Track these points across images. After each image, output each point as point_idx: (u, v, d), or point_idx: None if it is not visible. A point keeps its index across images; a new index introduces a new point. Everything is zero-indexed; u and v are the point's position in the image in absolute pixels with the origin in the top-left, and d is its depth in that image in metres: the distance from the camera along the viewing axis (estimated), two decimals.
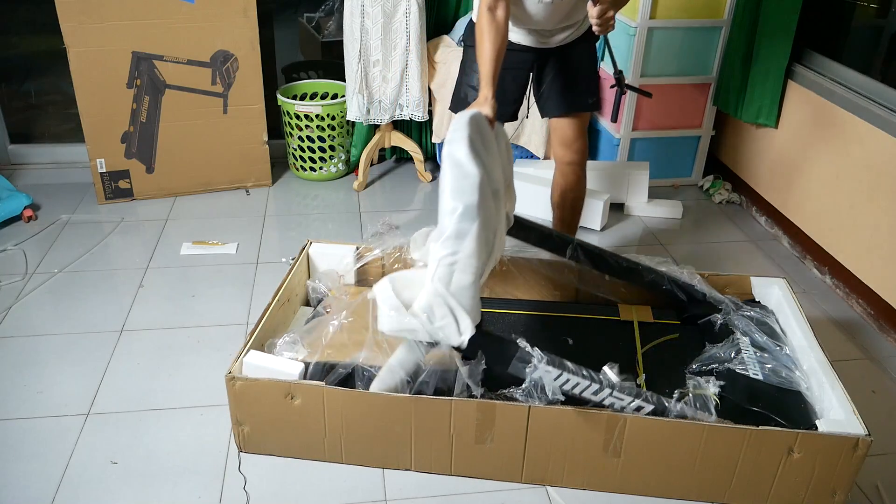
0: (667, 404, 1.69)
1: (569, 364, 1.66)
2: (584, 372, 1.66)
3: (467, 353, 1.67)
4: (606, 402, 1.67)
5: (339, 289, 2.26)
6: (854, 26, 2.99)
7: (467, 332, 1.59)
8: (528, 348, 1.67)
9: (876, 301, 2.47)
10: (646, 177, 3.16)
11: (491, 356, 1.72)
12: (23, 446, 1.88)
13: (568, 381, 1.65)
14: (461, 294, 1.58)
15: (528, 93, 2.32)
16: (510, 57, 2.03)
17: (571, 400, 1.69)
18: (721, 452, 1.70)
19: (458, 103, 2.30)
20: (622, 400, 1.67)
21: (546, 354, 1.66)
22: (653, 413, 1.68)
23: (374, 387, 1.74)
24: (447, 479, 1.83)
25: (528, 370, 1.66)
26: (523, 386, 1.71)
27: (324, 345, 1.95)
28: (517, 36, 2.17)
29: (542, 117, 2.36)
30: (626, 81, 2.23)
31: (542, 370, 1.64)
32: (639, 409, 1.67)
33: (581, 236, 2.44)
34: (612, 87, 2.23)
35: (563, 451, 1.76)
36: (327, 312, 2.13)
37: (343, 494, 1.78)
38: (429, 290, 1.58)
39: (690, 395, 1.74)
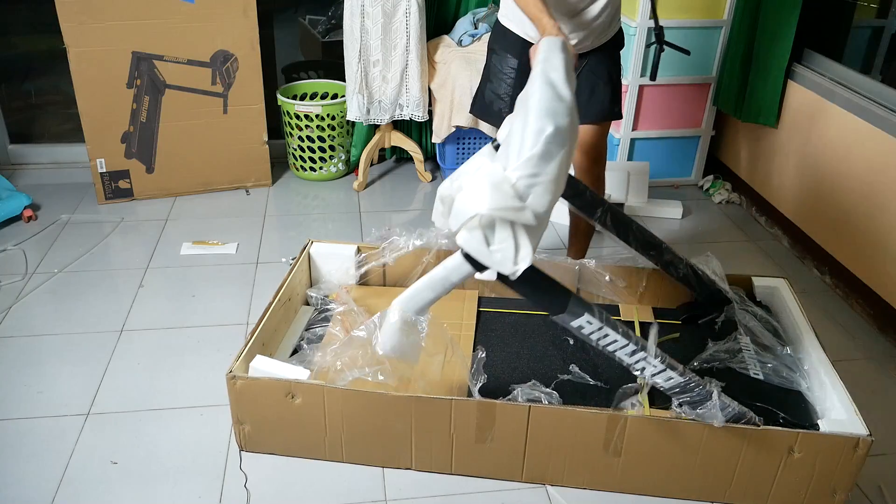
0: (695, 383, 1.65)
1: (617, 324, 1.61)
2: (624, 330, 1.61)
3: (515, 286, 1.53)
4: (637, 367, 1.63)
5: (341, 292, 2.25)
6: (854, 26, 2.99)
7: (524, 262, 1.44)
8: (579, 298, 1.59)
9: (876, 301, 2.47)
10: (646, 177, 3.16)
11: (539, 297, 1.62)
12: (23, 446, 1.88)
13: (607, 335, 1.60)
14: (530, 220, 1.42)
15: None
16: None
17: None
18: (721, 452, 1.70)
19: (483, 109, 2.27)
20: (654, 367, 1.62)
21: (595, 307, 1.59)
22: (680, 389, 1.64)
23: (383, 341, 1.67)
24: (447, 478, 1.83)
25: (570, 320, 1.58)
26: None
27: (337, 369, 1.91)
28: None
29: None
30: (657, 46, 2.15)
31: (583, 320, 1.57)
32: (668, 379, 1.63)
33: None
34: (648, 45, 2.17)
35: (563, 450, 1.76)
36: (338, 317, 2.12)
37: (343, 494, 1.78)
38: (502, 216, 1.41)
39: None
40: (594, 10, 2.03)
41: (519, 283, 1.49)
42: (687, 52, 2.28)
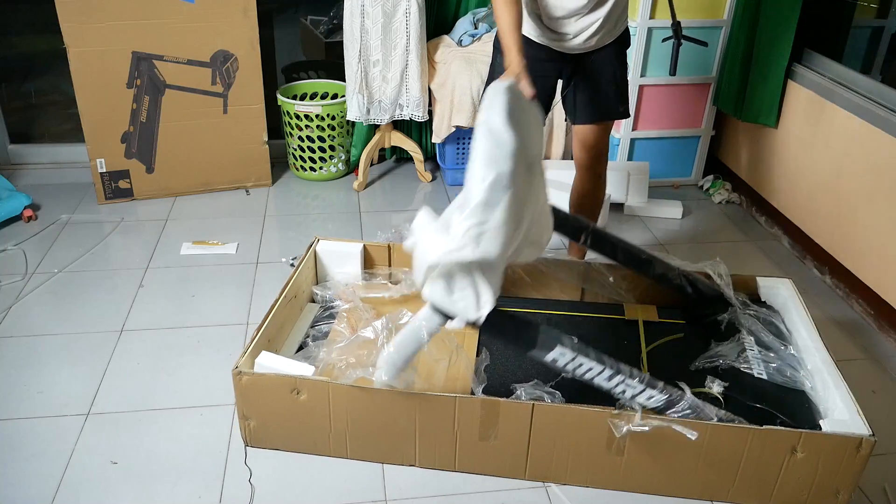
0: (677, 397, 1.65)
1: (590, 351, 1.62)
2: (597, 356, 1.62)
3: (483, 331, 1.59)
4: (618, 390, 1.64)
5: (348, 291, 2.24)
6: (854, 26, 3.00)
7: (486, 307, 1.52)
8: (548, 331, 1.61)
9: (876, 301, 2.47)
10: (646, 177, 3.16)
11: (508, 337, 1.66)
12: (23, 446, 1.87)
13: (581, 364, 1.61)
14: (485, 266, 1.50)
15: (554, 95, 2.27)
16: (539, 66, 1.95)
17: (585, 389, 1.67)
18: (724, 451, 1.70)
19: None
20: (634, 388, 1.63)
21: (566, 338, 1.61)
22: (665, 405, 1.65)
23: (381, 370, 1.72)
24: (449, 478, 1.82)
25: (544, 353, 1.61)
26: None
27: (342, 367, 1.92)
28: (546, 39, 2.09)
29: (572, 124, 2.29)
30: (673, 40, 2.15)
31: (556, 353, 1.60)
32: (650, 398, 1.64)
33: None
34: (663, 40, 2.18)
35: (566, 448, 1.76)
36: (343, 315, 2.12)
37: (345, 494, 1.77)
38: (450, 258, 1.50)
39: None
40: (600, 13, 2.02)
41: (486, 327, 1.56)
42: (704, 44, 2.30)
